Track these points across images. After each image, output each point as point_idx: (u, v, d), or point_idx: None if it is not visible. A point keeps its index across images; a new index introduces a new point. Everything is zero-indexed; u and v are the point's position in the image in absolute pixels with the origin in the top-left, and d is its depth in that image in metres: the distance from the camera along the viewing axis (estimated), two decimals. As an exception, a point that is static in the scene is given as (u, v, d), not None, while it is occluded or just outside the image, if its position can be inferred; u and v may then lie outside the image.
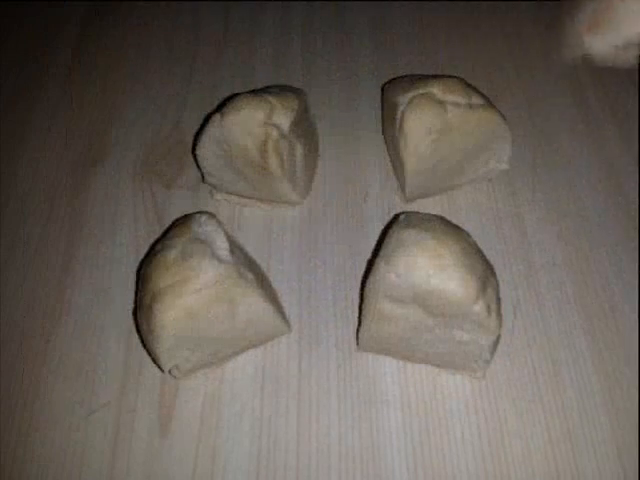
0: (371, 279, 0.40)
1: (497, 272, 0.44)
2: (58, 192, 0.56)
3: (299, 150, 0.49)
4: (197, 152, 0.50)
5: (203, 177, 0.53)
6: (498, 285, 0.41)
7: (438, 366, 0.45)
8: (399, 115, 0.48)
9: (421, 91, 0.48)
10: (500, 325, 0.40)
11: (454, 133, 0.47)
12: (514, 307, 0.48)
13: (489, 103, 0.48)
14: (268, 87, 0.50)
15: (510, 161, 0.52)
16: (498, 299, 0.40)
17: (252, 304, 0.42)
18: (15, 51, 0.68)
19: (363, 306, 0.42)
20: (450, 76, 0.49)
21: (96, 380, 0.45)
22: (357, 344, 0.46)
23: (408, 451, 0.42)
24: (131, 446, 0.43)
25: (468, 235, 0.41)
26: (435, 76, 0.49)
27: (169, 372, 0.44)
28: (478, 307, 0.38)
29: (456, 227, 0.41)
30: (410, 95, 0.48)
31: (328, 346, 0.46)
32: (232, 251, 0.42)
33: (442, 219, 0.41)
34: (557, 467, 0.41)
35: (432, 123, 0.47)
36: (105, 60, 0.67)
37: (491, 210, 0.53)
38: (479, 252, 0.41)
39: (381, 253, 0.40)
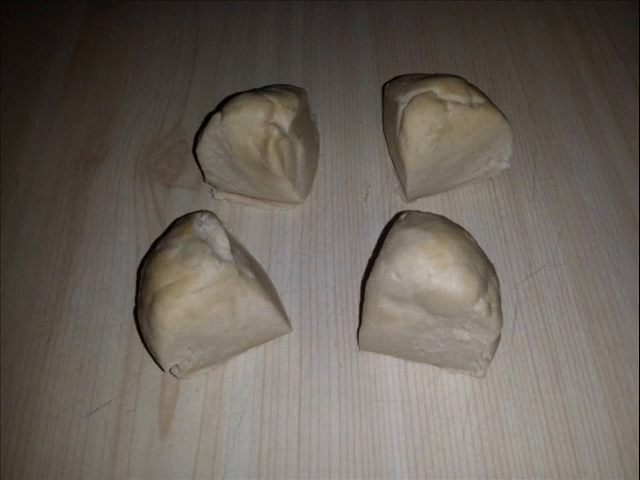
0: (372, 278, 0.40)
1: (498, 271, 0.44)
2: (59, 191, 0.56)
3: (300, 149, 0.49)
4: (198, 151, 0.50)
5: (204, 176, 0.53)
6: (499, 284, 0.41)
7: (439, 365, 0.45)
8: (400, 114, 0.48)
9: (422, 90, 0.48)
10: (501, 324, 0.40)
11: (455, 132, 0.47)
12: (515, 306, 0.48)
13: (490, 102, 0.48)
14: (269, 86, 0.50)
15: (511, 160, 0.52)
16: (499, 298, 0.40)
17: (253, 303, 0.42)
18: (15, 48, 0.68)
19: (364, 305, 0.42)
20: (451, 75, 0.49)
21: (97, 379, 0.45)
22: (358, 343, 0.46)
23: (409, 450, 0.42)
24: (131, 446, 0.43)
25: (469, 234, 0.41)
26: (436, 75, 0.49)
27: (170, 371, 0.44)
28: (479, 306, 0.38)
29: (457, 226, 0.41)
30: (411, 94, 0.48)
31: (329, 345, 0.46)
32: (233, 250, 0.42)
33: (443, 218, 0.41)
34: (558, 467, 0.41)
35: (433, 122, 0.47)
36: (106, 58, 0.67)
37: (492, 209, 0.53)
38: (480, 251, 0.41)
39: (382, 252, 0.40)
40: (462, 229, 0.41)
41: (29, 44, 0.68)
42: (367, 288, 0.41)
